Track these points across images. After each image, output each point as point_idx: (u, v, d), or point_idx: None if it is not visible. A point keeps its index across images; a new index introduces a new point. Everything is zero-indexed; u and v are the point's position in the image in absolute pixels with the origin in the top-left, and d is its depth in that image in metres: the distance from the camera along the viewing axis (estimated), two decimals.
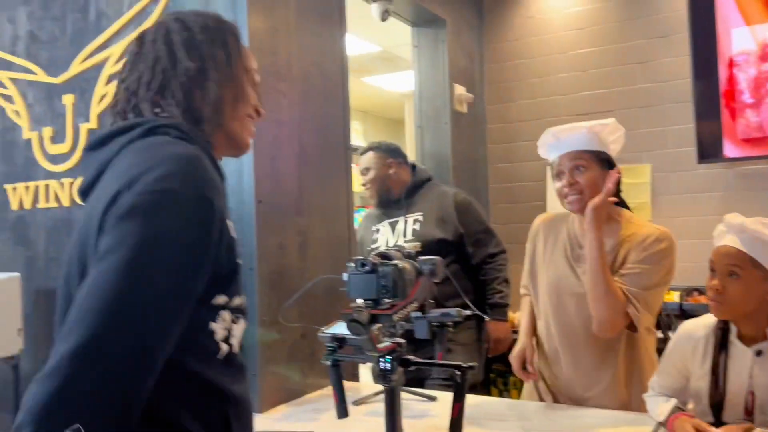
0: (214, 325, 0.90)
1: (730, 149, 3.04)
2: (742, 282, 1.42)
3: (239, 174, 1.89)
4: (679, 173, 3.29)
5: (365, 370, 2.43)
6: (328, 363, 1.51)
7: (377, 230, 2.73)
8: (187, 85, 0.98)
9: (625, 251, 1.74)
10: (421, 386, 2.20)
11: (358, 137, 5.45)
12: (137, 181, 0.81)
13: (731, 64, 3.03)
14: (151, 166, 0.83)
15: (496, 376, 3.44)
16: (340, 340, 1.54)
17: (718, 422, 1.45)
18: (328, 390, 1.56)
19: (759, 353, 1.44)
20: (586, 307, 1.74)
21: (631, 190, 3.43)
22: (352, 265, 1.48)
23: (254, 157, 1.87)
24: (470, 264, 2.64)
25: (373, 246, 2.68)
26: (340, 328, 1.60)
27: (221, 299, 0.91)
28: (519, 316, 2.05)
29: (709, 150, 3.10)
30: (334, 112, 2.28)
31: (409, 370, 1.66)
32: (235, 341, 0.96)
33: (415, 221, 2.62)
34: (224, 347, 0.92)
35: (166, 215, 0.80)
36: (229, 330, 0.93)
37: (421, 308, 1.50)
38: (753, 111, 2.99)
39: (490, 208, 3.76)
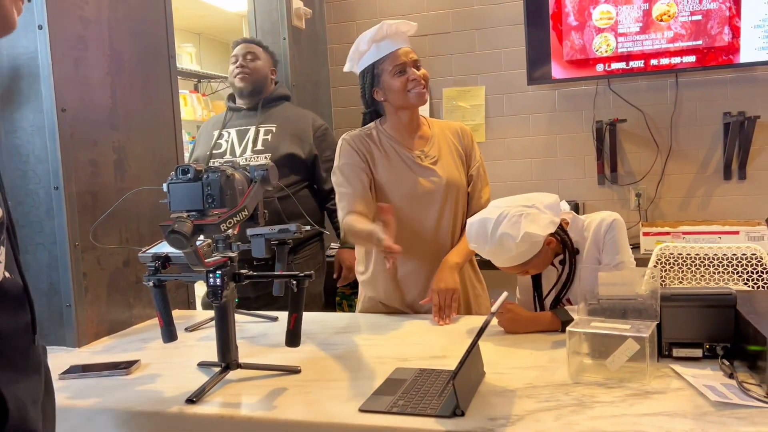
0: None
1: (557, 71, 3.19)
2: (536, 259, 1.54)
3: (34, 77, 1.61)
4: (510, 95, 3.42)
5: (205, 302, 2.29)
6: (150, 284, 1.37)
7: (221, 135, 2.52)
8: None
9: (462, 148, 1.93)
10: None
11: (191, 62, 5.05)
12: None
13: None
14: None
15: (341, 298, 3.45)
16: (162, 259, 1.40)
17: None
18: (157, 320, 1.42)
19: (561, 261, 1.64)
20: (435, 210, 1.83)
21: (467, 112, 3.52)
22: (173, 173, 1.33)
23: (52, 57, 1.60)
24: (322, 191, 2.55)
25: (215, 151, 2.48)
26: (164, 247, 1.46)
27: None
28: (354, 232, 1.74)
29: (537, 72, 3.22)
30: (153, 16, 2.03)
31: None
32: None
33: (267, 132, 2.47)
34: None
35: None
36: None
37: (253, 217, 1.39)
38: (577, 33, 3.14)
39: (333, 133, 3.66)
